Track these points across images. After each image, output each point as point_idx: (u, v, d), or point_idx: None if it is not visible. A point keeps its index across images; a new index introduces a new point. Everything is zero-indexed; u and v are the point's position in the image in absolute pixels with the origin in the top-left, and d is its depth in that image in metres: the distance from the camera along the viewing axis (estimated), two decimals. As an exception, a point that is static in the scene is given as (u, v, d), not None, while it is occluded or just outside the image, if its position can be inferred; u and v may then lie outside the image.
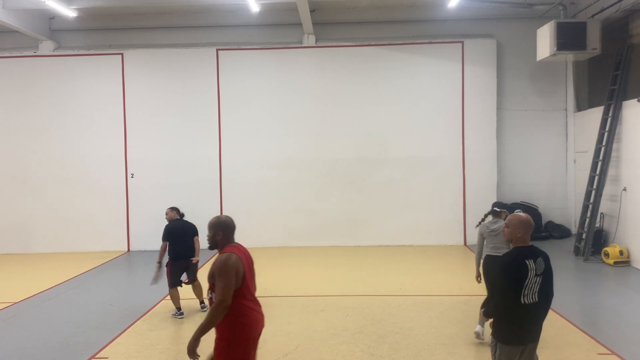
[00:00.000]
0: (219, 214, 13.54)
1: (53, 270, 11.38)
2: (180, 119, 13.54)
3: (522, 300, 3.92)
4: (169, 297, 9.02)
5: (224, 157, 13.55)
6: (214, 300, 4.12)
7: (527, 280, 3.92)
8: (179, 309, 7.87)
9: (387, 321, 7.37)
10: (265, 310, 7.98)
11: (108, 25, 13.80)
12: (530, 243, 4.13)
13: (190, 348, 4.03)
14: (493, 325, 4.15)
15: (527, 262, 3.95)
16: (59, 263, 12.23)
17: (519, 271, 3.92)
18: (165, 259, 7.97)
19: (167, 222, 8.26)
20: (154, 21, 13.76)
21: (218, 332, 4.17)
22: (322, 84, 13.45)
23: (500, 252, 6.06)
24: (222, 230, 4.27)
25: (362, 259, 11.86)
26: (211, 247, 4.33)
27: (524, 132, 13.74)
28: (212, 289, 4.18)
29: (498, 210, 6.59)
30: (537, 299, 3.98)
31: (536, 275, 3.96)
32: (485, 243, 6.49)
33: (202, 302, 8.15)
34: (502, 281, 3.97)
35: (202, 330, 4.02)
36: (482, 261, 6.50)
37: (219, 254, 4.21)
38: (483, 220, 6.67)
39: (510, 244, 4.21)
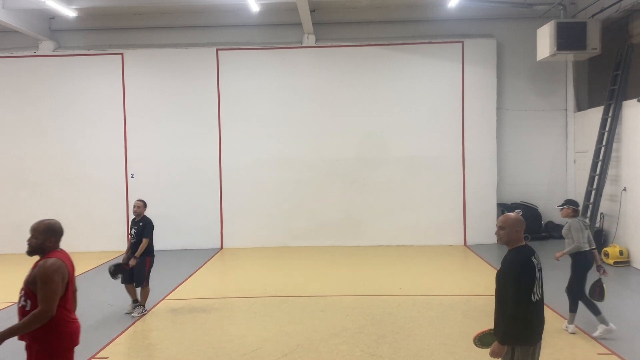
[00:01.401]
0: (219, 213, 13.55)
1: (53, 270, 11.35)
2: (180, 119, 13.53)
3: (532, 298, 3.92)
4: (169, 297, 9.03)
5: (224, 157, 13.54)
6: (26, 308, 3.83)
7: (536, 278, 3.94)
8: (136, 300, 8.04)
9: (387, 321, 7.37)
10: (265, 310, 8.04)
11: (108, 25, 13.80)
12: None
13: None
14: (509, 331, 3.94)
15: (533, 260, 3.97)
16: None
17: (530, 270, 3.92)
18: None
19: (134, 216, 8.16)
20: (154, 21, 13.76)
21: (38, 344, 3.86)
22: (322, 84, 13.45)
23: (586, 247, 6.74)
24: (55, 237, 3.99)
25: (362, 259, 11.86)
26: (33, 253, 3.94)
27: (524, 132, 13.73)
28: (27, 295, 3.85)
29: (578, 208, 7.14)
30: (541, 295, 4.03)
31: (538, 270, 4.01)
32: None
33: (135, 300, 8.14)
34: (518, 283, 3.89)
35: (12, 333, 3.75)
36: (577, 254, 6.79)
37: (43, 259, 3.87)
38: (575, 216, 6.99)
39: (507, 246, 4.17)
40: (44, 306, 3.72)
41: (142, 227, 7.96)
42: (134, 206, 8.18)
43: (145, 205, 8.22)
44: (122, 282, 8.02)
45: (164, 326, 7.43)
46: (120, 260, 8.07)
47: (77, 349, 6.62)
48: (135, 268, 7.89)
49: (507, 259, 4.05)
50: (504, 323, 3.97)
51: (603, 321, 6.60)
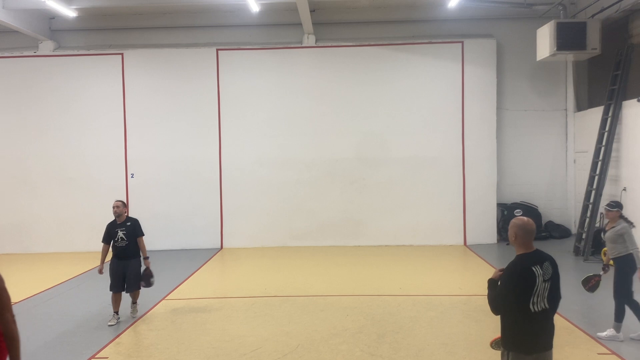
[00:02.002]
0: (219, 213, 13.55)
1: (53, 270, 11.37)
2: (180, 119, 13.53)
3: (531, 307, 3.81)
4: (169, 297, 9.03)
5: (224, 157, 13.54)
6: None
7: (535, 287, 3.80)
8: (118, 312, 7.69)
9: (387, 321, 7.36)
10: (265, 310, 8.03)
11: (108, 25, 13.80)
12: (535, 247, 3.97)
13: None
14: (503, 335, 3.96)
15: (534, 269, 3.82)
16: (59, 263, 12.23)
17: (526, 279, 3.79)
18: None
19: (115, 218, 7.80)
20: (154, 21, 13.76)
21: None
22: (322, 84, 13.45)
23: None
24: None
25: (362, 259, 11.85)
26: None
27: (524, 132, 13.73)
28: None
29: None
30: (546, 305, 3.89)
31: (544, 281, 3.85)
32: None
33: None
34: (507, 290, 3.83)
35: (17, 353, 3.55)
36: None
37: None
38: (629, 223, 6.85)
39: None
40: (10, 314, 3.61)
41: (132, 227, 7.72)
42: (114, 207, 7.75)
43: (124, 205, 7.87)
44: (115, 290, 7.60)
45: (164, 326, 7.42)
46: (108, 270, 7.75)
47: (77, 349, 6.64)
48: (134, 272, 7.67)
49: (506, 267, 3.95)
50: (501, 327, 3.97)
51: (618, 329, 6.51)
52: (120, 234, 7.66)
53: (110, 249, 7.79)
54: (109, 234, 7.72)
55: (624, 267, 6.61)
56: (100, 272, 7.77)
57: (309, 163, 13.50)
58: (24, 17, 12.47)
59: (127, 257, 7.65)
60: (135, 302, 7.93)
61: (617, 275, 6.65)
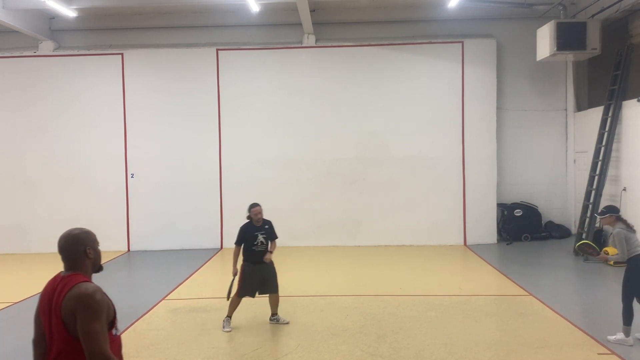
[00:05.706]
0: (219, 213, 13.54)
1: (53, 270, 11.26)
2: (180, 119, 13.53)
3: None
4: (169, 297, 9.01)
5: (224, 157, 13.54)
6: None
7: None
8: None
9: (387, 321, 7.36)
10: (265, 310, 8.02)
11: (108, 25, 13.79)
12: None
13: None
14: None
15: None
16: (59, 263, 12.19)
17: None
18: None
19: (254, 222, 7.46)
20: (154, 21, 13.76)
21: None
22: (322, 84, 13.45)
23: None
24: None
25: (362, 259, 11.86)
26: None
27: (524, 132, 13.73)
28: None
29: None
30: None
31: None
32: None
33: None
34: None
35: None
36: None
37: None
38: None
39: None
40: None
41: (270, 230, 7.43)
42: (257, 213, 7.41)
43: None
44: (244, 295, 7.17)
45: (164, 326, 7.43)
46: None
47: (77, 349, 6.64)
48: (273, 273, 7.27)
49: None
50: None
51: (627, 332, 6.32)
52: (261, 237, 7.23)
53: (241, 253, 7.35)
54: (246, 238, 7.28)
55: (625, 270, 6.45)
56: (235, 274, 7.27)
57: (309, 163, 13.50)
58: (24, 17, 12.46)
59: (263, 261, 7.21)
60: (276, 313, 7.42)
61: (623, 277, 6.49)
